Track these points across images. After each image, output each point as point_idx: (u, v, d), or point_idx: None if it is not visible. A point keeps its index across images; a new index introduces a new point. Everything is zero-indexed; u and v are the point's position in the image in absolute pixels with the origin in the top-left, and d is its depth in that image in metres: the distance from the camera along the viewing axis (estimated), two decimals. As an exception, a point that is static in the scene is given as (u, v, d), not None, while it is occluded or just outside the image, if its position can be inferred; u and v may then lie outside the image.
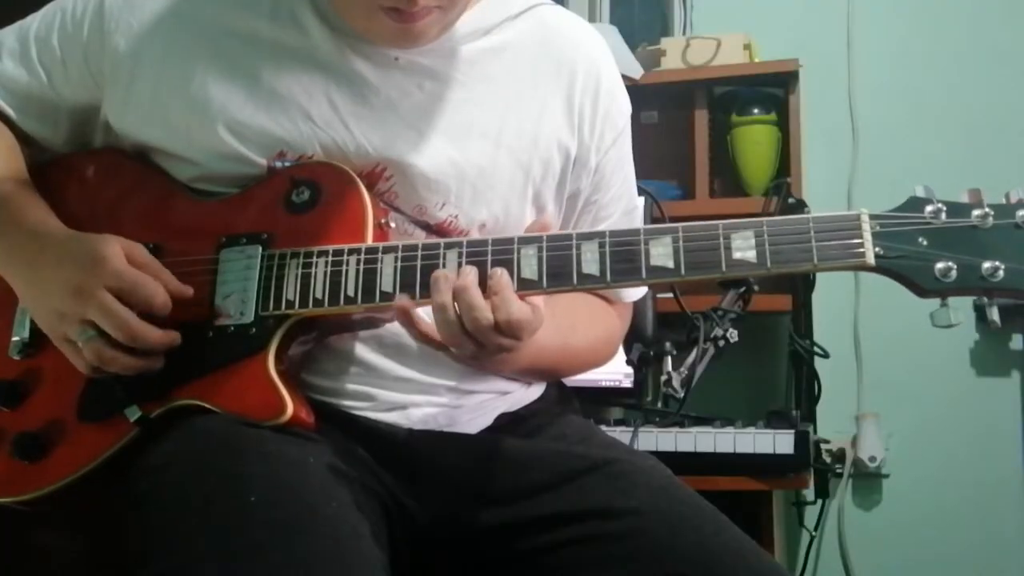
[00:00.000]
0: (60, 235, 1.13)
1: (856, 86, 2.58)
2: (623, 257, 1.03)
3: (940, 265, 0.97)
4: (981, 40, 2.53)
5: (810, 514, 2.38)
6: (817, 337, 2.25)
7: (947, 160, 2.44)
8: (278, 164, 1.14)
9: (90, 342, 1.05)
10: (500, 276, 1.01)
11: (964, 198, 0.99)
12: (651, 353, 1.92)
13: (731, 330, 1.87)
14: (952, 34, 2.55)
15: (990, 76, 2.51)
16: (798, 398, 2.22)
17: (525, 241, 1.04)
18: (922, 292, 0.99)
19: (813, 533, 2.39)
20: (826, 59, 2.54)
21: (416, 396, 1.15)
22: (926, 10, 2.58)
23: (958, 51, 2.54)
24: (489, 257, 1.04)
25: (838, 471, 2.41)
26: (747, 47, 2.47)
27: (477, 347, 1.02)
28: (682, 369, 1.84)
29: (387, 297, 1.05)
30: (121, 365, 1.06)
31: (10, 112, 1.23)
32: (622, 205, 1.32)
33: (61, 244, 1.11)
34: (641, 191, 2.02)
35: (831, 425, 2.38)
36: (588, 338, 1.27)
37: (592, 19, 2.54)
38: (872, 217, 0.99)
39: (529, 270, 1.03)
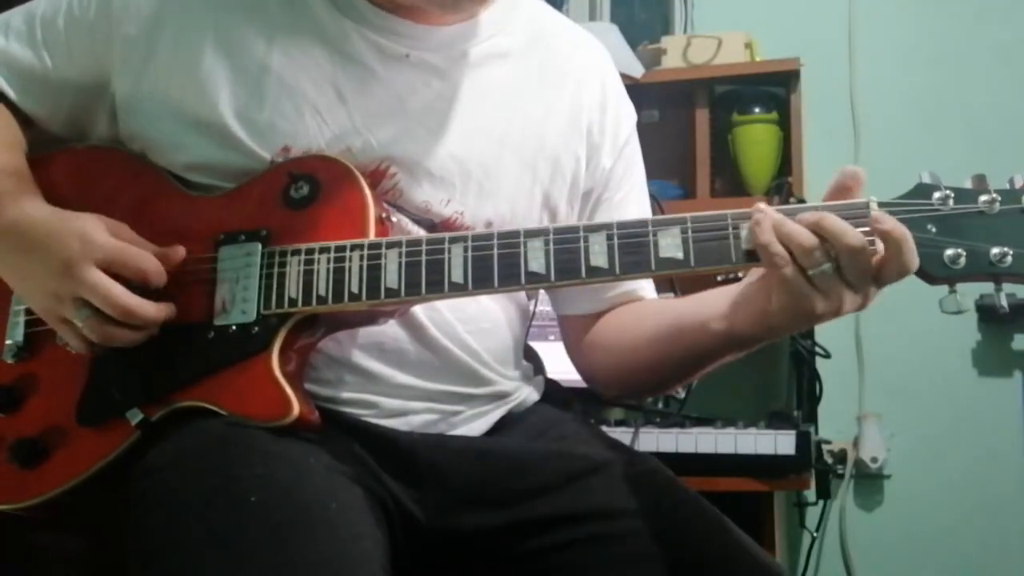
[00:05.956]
0: (43, 216, 1.09)
1: (857, 85, 2.57)
2: (632, 249, 1.01)
3: (949, 252, 0.97)
4: (983, 38, 2.51)
5: (811, 515, 2.38)
6: (818, 337, 2.24)
7: (950, 159, 2.42)
8: (279, 159, 1.12)
9: (88, 321, 1.04)
10: (822, 212, 0.97)
11: (967, 184, 0.99)
12: (652, 353, 1.90)
13: (732, 330, 1.86)
14: (954, 32, 2.54)
15: (993, 74, 2.50)
16: (799, 398, 2.22)
17: (531, 234, 1.03)
18: (931, 279, 0.98)
19: (814, 534, 2.38)
20: (827, 58, 2.53)
21: (416, 403, 1.15)
22: (928, 8, 2.57)
23: (960, 49, 2.53)
24: (495, 251, 1.03)
25: (839, 472, 2.40)
26: (748, 46, 2.46)
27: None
28: (683, 369, 1.83)
29: (392, 293, 1.04)
30: (123, 341, 1.05)
31: (10, 92, 1.21)
32: (632, 209, 1.30)
33: (46, 222, 1.08)
34: (642, 190, 2.02)
35: (832, 426, 2.38)
36: None
37: (593, 17, 2.53)
38: (881, 204, 0.98)
39: (536, 263, 1.02)
